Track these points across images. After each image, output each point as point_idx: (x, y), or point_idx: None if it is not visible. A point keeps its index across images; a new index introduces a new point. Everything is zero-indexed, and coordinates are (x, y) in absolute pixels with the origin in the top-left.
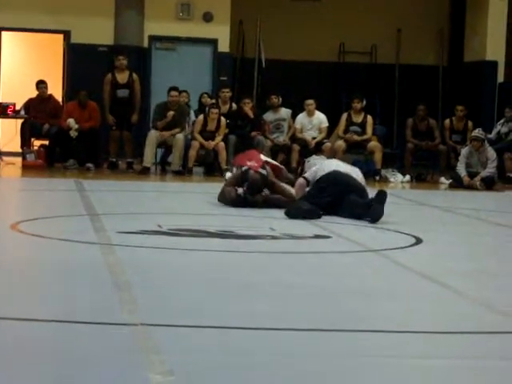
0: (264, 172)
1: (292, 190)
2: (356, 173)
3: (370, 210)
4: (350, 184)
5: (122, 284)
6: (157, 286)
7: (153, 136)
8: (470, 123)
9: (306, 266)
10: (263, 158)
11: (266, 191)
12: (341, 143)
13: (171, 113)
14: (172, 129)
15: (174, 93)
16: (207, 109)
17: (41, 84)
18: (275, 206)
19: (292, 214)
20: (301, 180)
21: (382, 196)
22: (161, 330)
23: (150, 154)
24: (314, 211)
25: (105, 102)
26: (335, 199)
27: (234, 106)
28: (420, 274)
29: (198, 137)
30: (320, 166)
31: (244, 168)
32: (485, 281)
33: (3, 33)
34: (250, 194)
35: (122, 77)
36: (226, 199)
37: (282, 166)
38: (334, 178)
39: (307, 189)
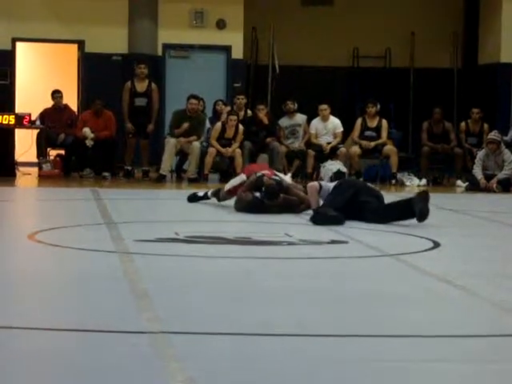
0: (278, 178)
1: (305, 196)
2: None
3: (416, 209)
4: (366, 186)
5: (141, 292)
6: (175, 293)
7: (171, 144)
8: (485, 126)
9: (324, 272)
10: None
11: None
12: (356, 149)
13: (186, 124)
14: (189, 136)
15: (193, 101)
16: (225, 116)
17: (56, 94)
18: (290, 207)
19: (318, 221)
20: (314, 183)
21: (424, 195)
22: (180, 337)
23: (167, 161)
24: (339, 217)
25: (123, 109)
26: (353, 199)
27: (249, 112)
28: (438, 277)
29: (216, 144)
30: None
31: (258, 174)
32: (504, 284)
33: (18, 43)
34: (267, 199)
35: (142, 85)
36: (243, 204)
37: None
38: (351, 180)
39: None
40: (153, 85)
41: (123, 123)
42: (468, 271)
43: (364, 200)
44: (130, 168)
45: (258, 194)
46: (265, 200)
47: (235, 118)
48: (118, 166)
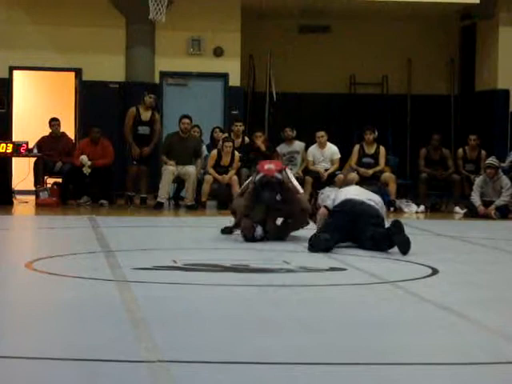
0: (279, 176)
1: (307, 203)
2: (375, 200)
3: (397, 243)
4: (365, 212)
5: (139, 321)
6: (173, 322)
7: (168, 171)
8: (483, 152)
9: (322, 299)
10: (288, 172)
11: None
12: (354, 175)
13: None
14: (186, 162)
15: (186, 120)
16: (221, 143)
17: (53, 121)
18: (290, 215)
19: (313, 248)
20: (323, 209)
21: (398, 225)
22: (178, 366)
23: (165, 189)
24: (329, 243)
25: (126, 135)
26: (348, 225)
27: (247, 139)
28: (437, 304)
29: (212, 171)
30: (338, 193)
31: (258, 176)
32: (503, 310)
33: (15, 71)
34: (267, 192)
35: (146, 114)
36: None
37: (301, 192)
38: (347, 205)
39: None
40: (156, 115)
41: (125, 148)
42: (467, 298)
43: (361, 228)
44: (132, 194)
45: (259, 232)
46: (264, 196)
47: (230, 144)
48: (117, 193)
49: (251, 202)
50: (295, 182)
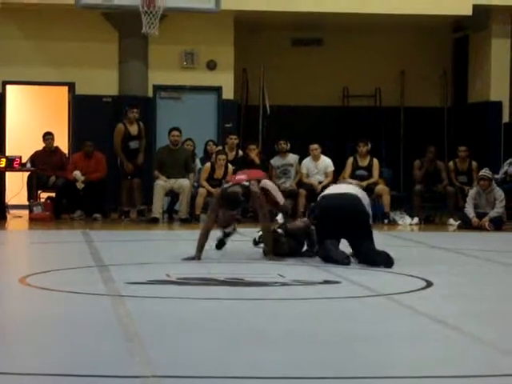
0: (246, 184)
1: (267, 216)
2: (352, 191)
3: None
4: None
5: (132, 335)
6: (167, 336)
7: (160, 186)
8: (474, 163)
9: (317, 313)
10: (265, 182)
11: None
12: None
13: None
14: (178, 175)
15: (175, 132)
16: (214, 156)
17: (47, 136)
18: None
19: (324, 259)
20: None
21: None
22: (172, 381)
23: (158, 204)
24: (346, 260)
25: (118, 151)
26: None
27: (241, 152)
28: (432, 317)
29: (206, 184)
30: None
31: (223, 187)
32: (497, 323)
33: (8, 86)
34: (230, 207)
35: (133, 128)
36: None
37: (282, 203)
38: (331, 212)
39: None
40: (141, 125)
41: (117, 164)
42: (461, 310)
43: (347, 233)
44: (127, 209)
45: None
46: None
47: (224, 157)
48: (110, 207)
49: (213, 213)
50: (275, 193)
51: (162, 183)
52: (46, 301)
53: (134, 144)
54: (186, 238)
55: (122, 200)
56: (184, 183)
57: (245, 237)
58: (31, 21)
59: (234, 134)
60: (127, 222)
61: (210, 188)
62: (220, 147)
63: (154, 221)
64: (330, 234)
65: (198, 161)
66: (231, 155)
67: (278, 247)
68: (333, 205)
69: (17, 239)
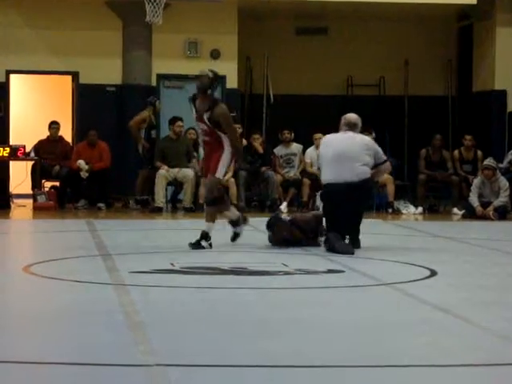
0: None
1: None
2: (355, 152)
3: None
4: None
5: (136, 324)
6: (171, 325)
7: (161, 175)
8: (479, 153)
9: (321, 302)
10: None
11: None
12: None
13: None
14: (181, 165)
15: (179, 123)
16: None
17: (53, 125)
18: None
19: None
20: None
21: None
22: (176, 370)
23: (160, 193)
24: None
25: (135, 131)
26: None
27: (245, 141)
28: (436, 306)
29: None
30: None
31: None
32: (502, 312)
33: (12, 75)
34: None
35: (155, 119)
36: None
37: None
38: (331, 196)
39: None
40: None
41: (137, 152)
42: (465, 299)
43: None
44: (146, 197)
45: None
46: None
47: None
48: (114, 196)
49: None
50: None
51: (162, 172)
52: (49, 290)
53: (154, 134)
54: (189, 227)
55: (137, 189)
56: (188, 173)
57: (248, 226)
58: (34, 10)
59: (237, 123)
60: (129, 212)
61: None
62: None
63: (158, 210)
64: (336, 219)
65: (201, 149)
66: None
67: (277, 232)
68: (334, 191)
69: (21, 228)
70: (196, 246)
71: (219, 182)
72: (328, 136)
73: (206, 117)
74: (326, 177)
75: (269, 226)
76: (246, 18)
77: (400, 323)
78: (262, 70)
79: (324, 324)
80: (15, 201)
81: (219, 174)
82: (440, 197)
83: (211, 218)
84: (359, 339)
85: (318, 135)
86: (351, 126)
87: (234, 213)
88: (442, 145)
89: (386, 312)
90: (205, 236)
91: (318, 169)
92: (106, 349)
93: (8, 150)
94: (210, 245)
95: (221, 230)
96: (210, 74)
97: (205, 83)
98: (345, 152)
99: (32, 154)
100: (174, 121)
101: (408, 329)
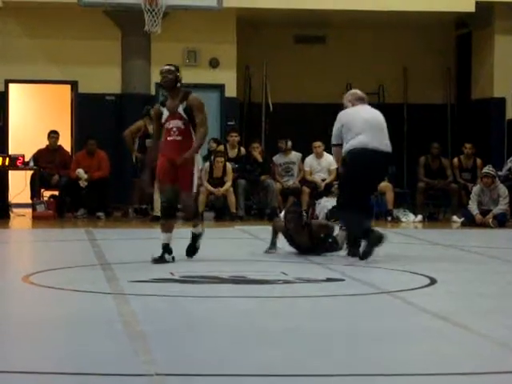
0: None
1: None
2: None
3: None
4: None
5: (137, 334)
6: (171, 335)
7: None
8: (478, 161)
9: (320, 311)
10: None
11: None
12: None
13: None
14: None
15: None
16: (212, 157)
17: (52, 134)
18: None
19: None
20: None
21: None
22: (176, 379)
23: (159, 202)
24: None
25: (128, 139)
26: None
27: (243, 150)
28: (435, 314)
29: (207, 185)
30: (350, 124)
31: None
32: (502, 320)
33: (11, 85)
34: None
35: (151, 128)
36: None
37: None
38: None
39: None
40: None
41: (132, 161)
42: (465, 307)
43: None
44: (144, 206)
45: None
46: None
47: (222, 159)
48: (113, 205)
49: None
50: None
51: None
52: (49, 299)
53: (149, 142)
54: (188, 236)
55: (133, 199)
56: None
57: (248, 235)
58: (33, 19)
59: (234, 131)
60: (128, 221)
61: (211, 188)
62: (220, 147)
63: (157, 219)
64: (362, 189)
65: (199, 158)
66: (233, 152)
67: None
68: (372, 157)
69: (20, 238)
70: (160, 260)
71: (194, 196)
72: (347, 110)
73: (181, 108)
74: (363, 141)
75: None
76: (245, 27)
77: (400, 331)
78: (261, 79)
79: (324, 333)
80: (14, 210)
81: (194, 189)
82: (439, 205)
83: (170, 229)
84: (359, 348)
85: (317, 143)
86: (363, 100)
87: (202, 227)
88: (440, 152)
89: (385, 320)
90: (167, 249)
91: (323, 180)
92: (106, 358)
93: (7, 159)
94: (173, 258)
95: (222, 239)
96: (173, 68)
97: (172, 78)
98: (378, 121)
99: (31, 164)
100: None
101: (408, 337)
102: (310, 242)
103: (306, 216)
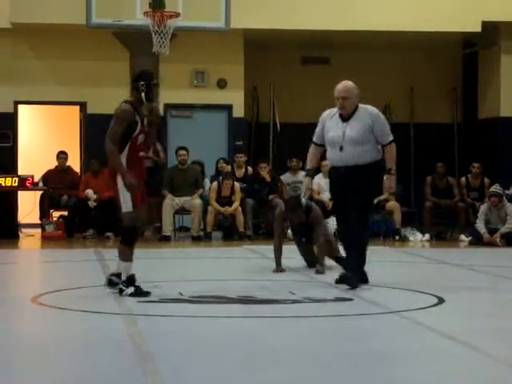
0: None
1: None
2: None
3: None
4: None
5: (145, 355)
6: (179, 355)
7: (168, 204)
8: (486, 180)
9: (329, 331)
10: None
11: None
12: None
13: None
14: (188, 193)
15: (182, 152)
16: (221, 178)
17: (61, 155)
18: None
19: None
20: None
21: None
22: None
23: (168, 222)
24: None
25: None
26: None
27: (250, 169)
28: (443, 334)
29: (215, 204)
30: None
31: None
32: (509, 339)
33: (20, 106)
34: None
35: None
36: None
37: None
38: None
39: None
40: (157, 145)
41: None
42: (473, 327)
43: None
44: (151, 227)
45: None
46: None
47: (230, 182)
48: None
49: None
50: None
51: (168, 201)
52: (58, 320)
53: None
54: (197, 256)
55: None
56: (195, 202)
57: (256, 254)
58: (42, 40)
59: (241, 152)
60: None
61: (219, 207)
62: (229, 168)
63: (165, 239)
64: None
65: (206, 180)
66: (240, 172)
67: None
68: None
69: (29, 258)
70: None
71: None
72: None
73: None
74: None
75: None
76: (252, 48)
77: (408, 351)
78: (268, 99)
79: (332, 353)
80: (23, 230)
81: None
82: (447, 223)
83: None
84: (367, 368)
85: (325, 162)
86: None
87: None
88: (446, 172)
89: (394, 340)
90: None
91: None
92: (114, 379)
93: (16, 180)
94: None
95: (230, 259)
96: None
97: None
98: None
99: (40, 184)
100: (177, 150)
101: (416, 357)
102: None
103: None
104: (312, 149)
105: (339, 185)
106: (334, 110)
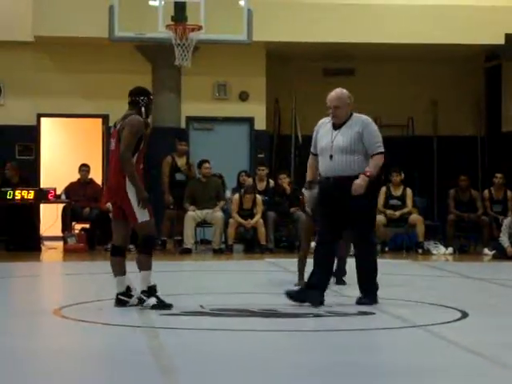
0: None
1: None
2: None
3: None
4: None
5: (167, 368)
6: (201, 368)
7: (189, 217)
8: (509, 193)
9: (352, 345)
10: None
11: None
12: (381, 218)
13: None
14: (210, 206)
15: (206, 165)
16: (242, 191)
17: (83, 167)
18: None
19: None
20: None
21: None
22: None
23: (189, 234)
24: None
25: (163, 183)
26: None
27: (272, 182)
28: (467, 348)
29: (237, 217)
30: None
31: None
32: None
33: (42, 119)
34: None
35: (182, 161)
36: None
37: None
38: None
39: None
40: (190, 161)
41: (162, 195)
42: (496, 341)
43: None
44: (165, 238)
45: None
46: None
47: (252, 196)
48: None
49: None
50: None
51: (190, 214)
52: (80, 333)
53: (180, 176)
54: (219, 269)
55: (162, 230)
56: (217, 215)
57: (278, 267)
58: (65, 53)
59: (263, 165)
60: (161, 253)
61: (241, 220)
62: (250, 180)
63: (187, 251)
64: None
65: (228, 192)
66: (261, 185)
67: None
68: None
69: (51, 271)
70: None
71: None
72: None
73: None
74: None
75: None
76: (274, 60)
77: (432, 366)
78: (290, 111)
79: (355, 367)
80: (46, 243)
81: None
82: (470, 237)
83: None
84: (391, 382)
85: None
86: None
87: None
88: (469, 185)
89: (417, 355)
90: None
91: None
92: None
93: (38, 192)
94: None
95: (252, 272)
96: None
97: None
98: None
99: (63, 197)
100: (200, 164)
101: (441, 372)
102: None
103: None
104: (310, 159)
105: (327, 196)
106: (329, 119)
